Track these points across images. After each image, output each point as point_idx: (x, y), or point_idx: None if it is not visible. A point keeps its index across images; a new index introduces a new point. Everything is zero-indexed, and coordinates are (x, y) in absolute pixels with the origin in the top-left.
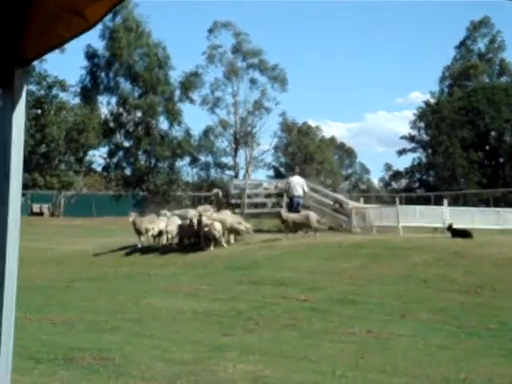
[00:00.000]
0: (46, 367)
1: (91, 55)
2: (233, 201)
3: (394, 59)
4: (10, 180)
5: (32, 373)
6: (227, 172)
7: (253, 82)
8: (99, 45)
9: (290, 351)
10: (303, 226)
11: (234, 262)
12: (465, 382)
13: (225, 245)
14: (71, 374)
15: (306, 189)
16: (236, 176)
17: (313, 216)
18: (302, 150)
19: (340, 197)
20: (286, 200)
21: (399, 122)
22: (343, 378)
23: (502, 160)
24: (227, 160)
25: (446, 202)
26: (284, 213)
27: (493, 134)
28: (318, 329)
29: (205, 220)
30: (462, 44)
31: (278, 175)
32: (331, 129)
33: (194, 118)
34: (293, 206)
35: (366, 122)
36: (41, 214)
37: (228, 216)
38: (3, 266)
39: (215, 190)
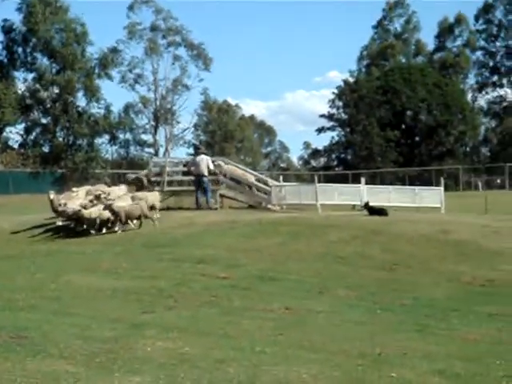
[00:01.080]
0: None
1: (7, 29)
2: (153, 179)
3: (312, 38)
4: None
5: None
6: (147, 150)
7: (176, 58)
8: (16, 18)
9: (209, 328)
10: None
11: (153, 240)
12: (380, 357)
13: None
14: None
15: (212, 167)
16: (156, 154)
17: (144, 205)
18: (222, 128)
19: (259, 175)
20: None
21: (318, 100)
22: (262, 353)
23: (417, 139)
24: (147, 138)
25: (363, 180)
26: (115, 206)
27: (409, 113)
28: (238, 306)
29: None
30: (379, 24)
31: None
32: (251, 107)
33: (114, 96)
34: (199, 185)
35: (284, 100)
36: None
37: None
38: None
39: (142, 172)
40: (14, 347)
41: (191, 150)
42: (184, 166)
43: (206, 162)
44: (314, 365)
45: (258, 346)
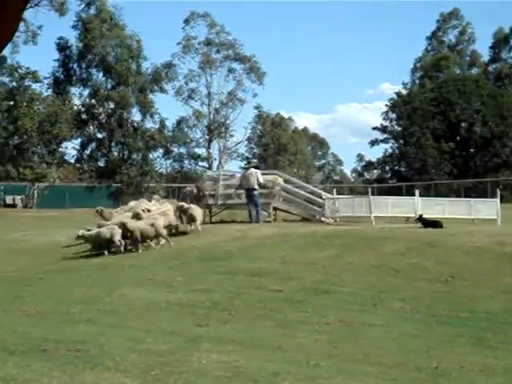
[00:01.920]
0: (19, 359)
1: (63, 47)
2: (206, 192)
3: (364, 51)
4: None
5: (6, 365)
6: (201, 163)
7: (230, 71)
8: (72, 35)
9: (263, 341)
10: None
11: (207, 253)
12: (436, 370)
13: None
14: (45, 365)
15: (262, 180)
16: (209, 167)
17: (159, 224)
18: (275, 141)
19: (315, 188)
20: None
21: (370, 113)
22: (317, 367)
23: (472, 150)
24: (201, 151)
25: (417, 192)
26: (129, 223)
27: (463, 124)
28: (292, 319)
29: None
30: (433, 35)
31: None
32: (303, 120)
33: (168, 109)
34: (250, 199)
35: (337, 113)
36: (14, 205)
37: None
38: None
39: (189, 188)
40: (72, 360)
41: (244, 163)
42: (209, 180)
43: (255, 175)
44: (369, 378)
45: (313, 359)
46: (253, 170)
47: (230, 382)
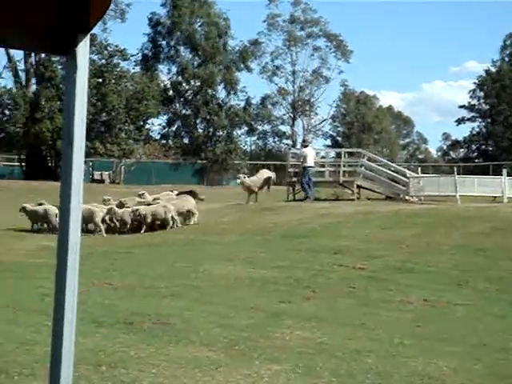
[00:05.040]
0: (107, 331)
1: (155, 23)
2: (290, 170)
3: (449, 29)
4: (73, 146)
5: (94, 336)
6: (284, 141)
7: (315, 49)
8: (161, 12)
9: (346, 319)
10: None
11: (290, 230)
12: None
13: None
14: (132, 337)
15: (317, 159)
16: (293, 145)
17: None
18: (360, 120)
19: (397, 166)
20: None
21: (455, 91)
22: (400, 345)
23: None
24: (285, 129)
25: (504, 171)
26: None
27: None
28: (375, 297)
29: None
30: None
31: (336, 144)
32: (387, 98)
33: (252, 87)
34: (305, 176)
35: (421, 91)
36: (101, 181)
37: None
38: (67, 229)
39: (266, 175)
40: (158, 333)
41: (329, 142)
42: (292, 158)
43: (313, 154)
44: (453, 358)
45: (397, 338)
46: (309, 148)
47: (313, 359)
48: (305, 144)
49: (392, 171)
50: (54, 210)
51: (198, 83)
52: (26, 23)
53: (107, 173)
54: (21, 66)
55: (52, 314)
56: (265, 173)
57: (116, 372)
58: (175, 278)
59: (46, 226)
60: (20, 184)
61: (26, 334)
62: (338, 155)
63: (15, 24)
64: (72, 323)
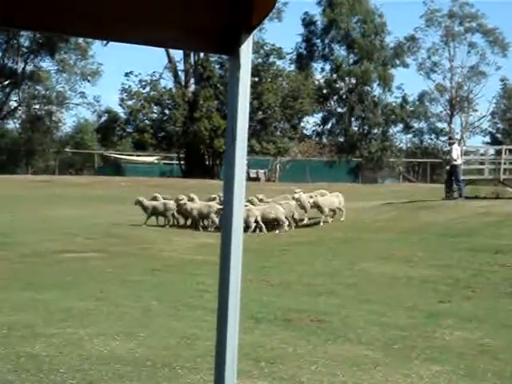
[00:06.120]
0: (265, 327)
1: (308, 22)
2: (447, 167)
3: None
4: (236, 143)
5: (253, 332)
6: (441, 138)
7: (471, 45)
8: (316, 11)
9: (508, 320)
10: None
11: (448, 229)
12: None
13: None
14: (290, 334)
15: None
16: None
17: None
18: None
19: None
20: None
21: None
22: None
23: None
24: (442, 126)
25: None
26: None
27: None
28: None
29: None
30: None
31: (495, 141)
32: None
33: (407, 84)
34: (453, 174)
35: None
36: (257, 179)
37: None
38: (230, 224)
39: None
40: (315, 330)
41: (487, 139)
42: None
43: (457, 150)
44: None
45: None
46: (455, 145)
47: (475, 360)
48: (451, 141)
49: None
50: (214, 208)
51: (353, 80)
52: (196, 24)
53: (262, 171)
54: (180, 66)
55: (216, 310)
56: None
57: (275, 368)
58: (332, 276)
59: (206, 222)
60: (177, 181)
61: (187, 329)
62: (498, 152)
63: (185, 25)
64: (235, 319)
